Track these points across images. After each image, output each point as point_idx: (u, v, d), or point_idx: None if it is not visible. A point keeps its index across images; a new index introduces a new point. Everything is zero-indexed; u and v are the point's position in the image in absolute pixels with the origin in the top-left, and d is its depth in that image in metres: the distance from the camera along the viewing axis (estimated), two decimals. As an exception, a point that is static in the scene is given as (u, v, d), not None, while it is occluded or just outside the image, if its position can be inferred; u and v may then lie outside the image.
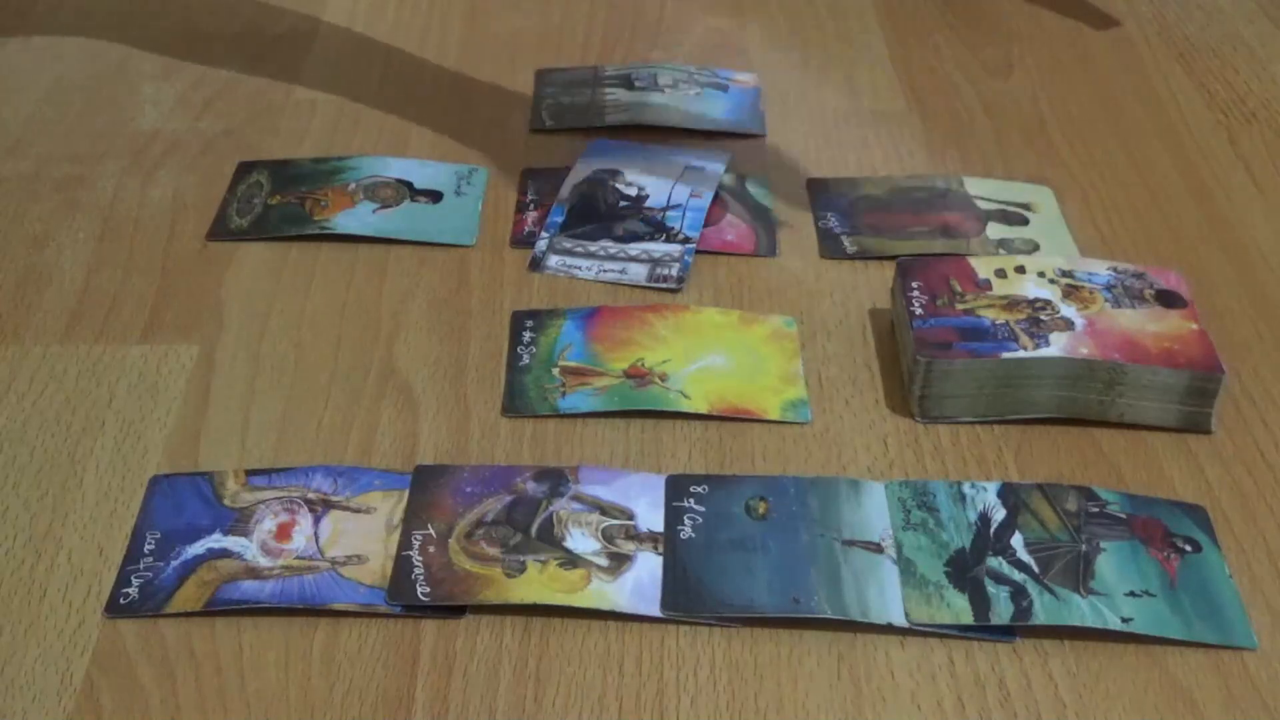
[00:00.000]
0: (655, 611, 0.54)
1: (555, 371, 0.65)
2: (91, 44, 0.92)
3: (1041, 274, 0.66)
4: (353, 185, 0.78)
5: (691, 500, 0.58)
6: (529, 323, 0.68)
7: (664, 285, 0.71)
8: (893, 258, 0.71)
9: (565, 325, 0.68)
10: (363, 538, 0.56)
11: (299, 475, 0.59)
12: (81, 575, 0.55)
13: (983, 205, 0.77)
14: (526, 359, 0.66)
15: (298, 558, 0.55)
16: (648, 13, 0.98)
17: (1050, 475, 0.60)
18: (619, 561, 0.55)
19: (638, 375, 0.64)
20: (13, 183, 0.79)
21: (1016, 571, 0.55)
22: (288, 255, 0.73)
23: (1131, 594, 0.54)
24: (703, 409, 0.63)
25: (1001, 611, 0.53)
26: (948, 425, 0.63)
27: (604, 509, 0.58)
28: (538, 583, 0.54)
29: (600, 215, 0.76)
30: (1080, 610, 0.53)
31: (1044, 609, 0.54)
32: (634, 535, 0.56)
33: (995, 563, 0.55)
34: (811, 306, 0.70)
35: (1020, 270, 0.67)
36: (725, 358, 0.66)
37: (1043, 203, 0.78)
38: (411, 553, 0.55)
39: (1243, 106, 0.88)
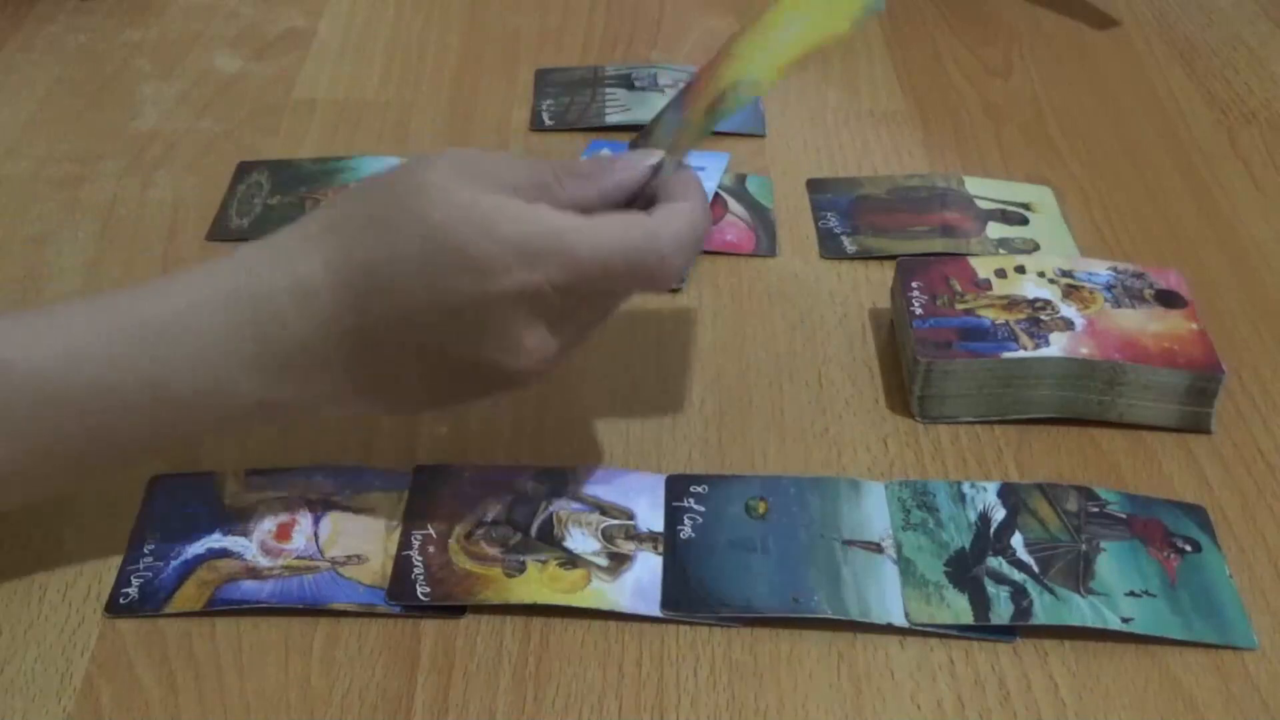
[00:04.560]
0: (655, 611, 0.54)
1: (555, 371, 0.65)
2: (91, 44, 0.92)
3: (1041, 274, 0.66)
4: (353, 185, 0.78)
5: (691, 500, 0.58)
6: (529, 323, 0.68)
7: (664, 285, 0.71)
8: (893, 258, 0.71)
9: (565, 325, 0.68)
10: (363, 538, 0.56)
11: (299, 475, 0.59)
12: (81, 575, 0.55)
13: (983, 205, 0.77)
14: (526, 359, 0.66)
15: (298, 558, 0.55)
16: (648, 13, 0.98)
17: (1050, 475, 0.60)
18: (619, 561, 0.55)
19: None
20: (13, 183, 0.79)
21: (1016, 571, 0.55)
22: (288, 255, 0.73)
23: (1131, 594, 0.54)
24: (774, 76, 0.55)
25: (1001, 611, 0.53)
26: (948, 425, 0.63)
27: (604, 509, 0.58)
28: (538, 583, 0.54)
29: (600, 215, 0.76)
30: (1080, 610, 0.53)
31: (1044, 609, 0.54)
32: (634, 535, 0.56)
33: (995, 563, 0.55)
34: (811, 306, 0.70)
35: (1020, 270, 0.67)
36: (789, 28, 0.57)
37: (1043, 202, 0.78)
38: (411, 553, 0.55)
39: (1243, 106, 0.88)
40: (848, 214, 0.77)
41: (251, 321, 0.50)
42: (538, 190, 0.51)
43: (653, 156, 0.54)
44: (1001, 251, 0.73)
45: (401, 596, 0.54)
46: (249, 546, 0.56)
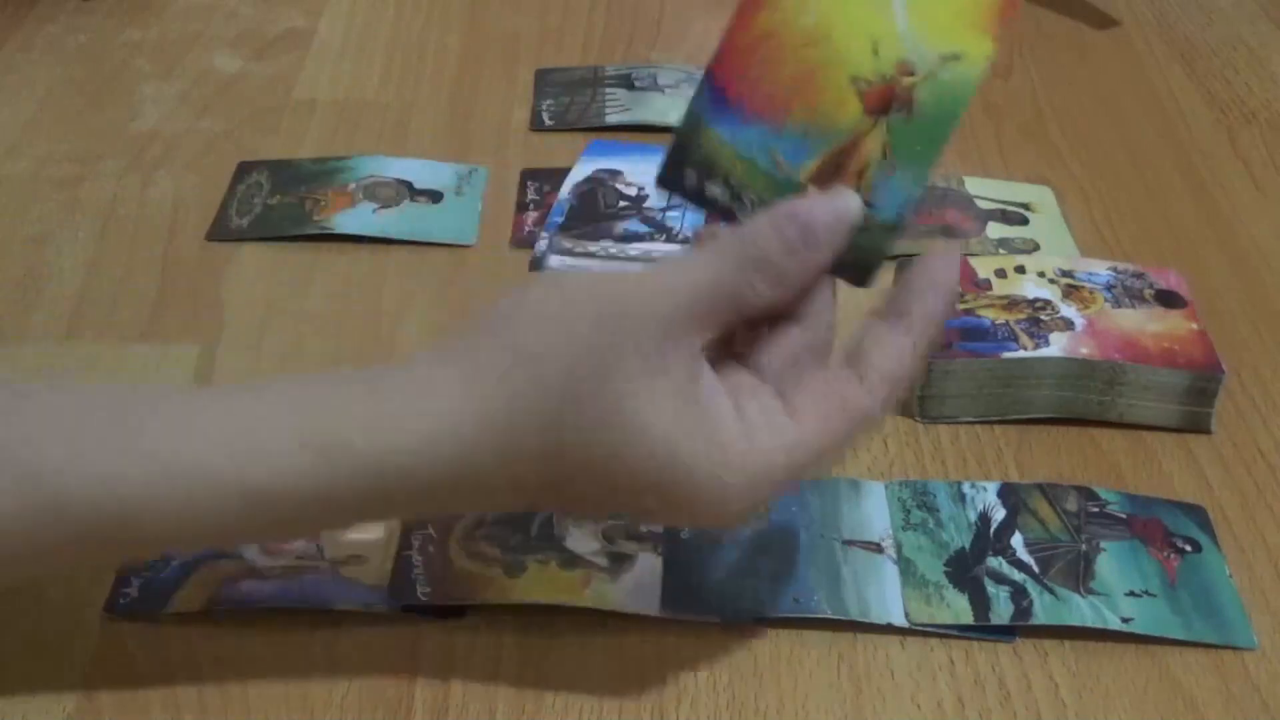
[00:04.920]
0: (655, 611, 0.54)
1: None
2: (91, 44, 0.92)
3: (1041, 274, 0.66)
4: (353, 185, 0.78)
5: (691, 500, 0.58)
6: (529, 323, 0.68)
7: (664, 285, 0.71)
8: (893, 258, 0.71)
9: (565, 325, 0.68)
10: (363, 538, 0.56)
11: (299, 475, 0.59)
12: (82, 575, 0.55)
13: (983, 205, 0.77)
14: (526, 359, 0.66)
15: (298, 558, 0.55)
16: (648, 13, 0.98)
17: (1050, 475, 0.60)
18: (619, 561, 0.55)
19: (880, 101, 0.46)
20: (13, 183, 0.79)
21: (1016, 571, 0.55)
22: (288, 255, 0.73)
23: (1131, 594, 0.54)
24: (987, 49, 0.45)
25: (1001, 611, 0.53)
26: (948, 425, 0.63)
27: (604, 509, 0.58)
28: (538, 583, 0.54)
29: (600, 215, 0.76)
30: (1080, 610, 0.53)
31: (1044, 609, 0.54)
32: (634, 535, 0.56)
33: (995, 563, 0.55)
34: (811, 306, 0.70)
35: (1020, 270, 0.67)
36: None
37: (1043, 203, 0.78)
38: (411, 553, 0.55)
39: (1243, 106, 0.88)
40: (848, 214, 0.77)
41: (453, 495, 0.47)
42: (728, 303, 0.45)
43: (844, 211, 0.46)
44: (1001, 251, 0.73)
45: (401, 596, 0.54)
46: (249, 546, 0.56)
